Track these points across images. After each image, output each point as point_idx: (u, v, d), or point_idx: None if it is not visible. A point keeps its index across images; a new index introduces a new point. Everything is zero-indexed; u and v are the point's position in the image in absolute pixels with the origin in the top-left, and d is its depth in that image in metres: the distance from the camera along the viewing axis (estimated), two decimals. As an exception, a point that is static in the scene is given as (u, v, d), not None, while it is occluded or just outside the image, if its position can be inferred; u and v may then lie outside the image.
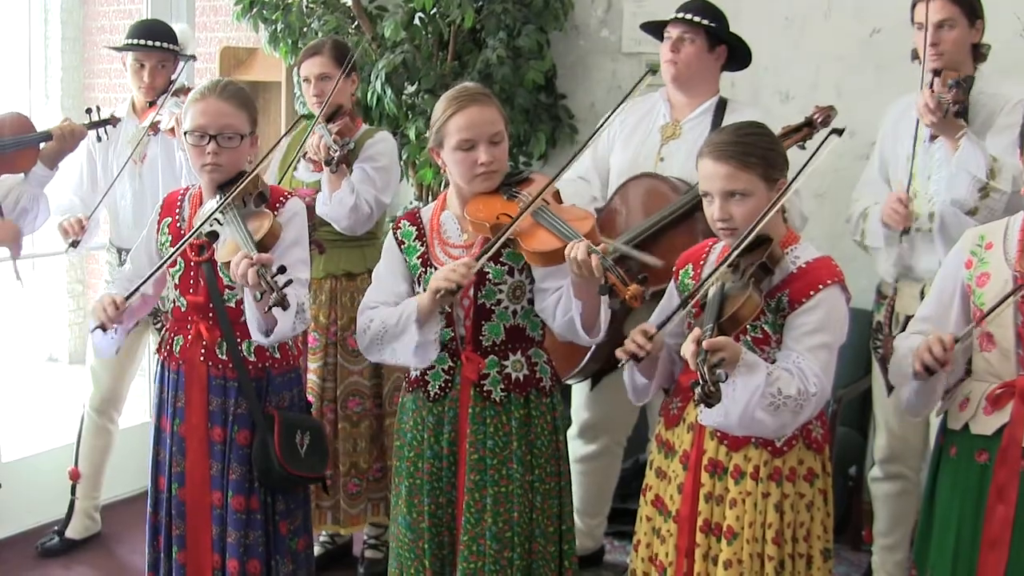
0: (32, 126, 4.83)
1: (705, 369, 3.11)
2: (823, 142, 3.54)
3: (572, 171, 5.09)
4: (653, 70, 3.95)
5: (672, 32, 4.94)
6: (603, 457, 5.41)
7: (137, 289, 3.98)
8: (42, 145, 4.84)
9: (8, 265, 4.75)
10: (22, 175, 4.83)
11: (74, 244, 5.34)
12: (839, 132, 3.57)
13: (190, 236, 3.89)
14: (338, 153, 4.95)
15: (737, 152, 3.52)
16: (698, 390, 3.10)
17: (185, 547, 4.13)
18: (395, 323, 3.79)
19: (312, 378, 5.31)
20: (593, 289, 3.55)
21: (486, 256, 3.68)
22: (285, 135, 4.06)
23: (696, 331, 3.27)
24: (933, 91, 4.42)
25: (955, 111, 4.36)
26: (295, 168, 5.30)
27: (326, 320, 5.29)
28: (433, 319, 3.76)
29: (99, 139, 5.24)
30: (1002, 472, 3.50)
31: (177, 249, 3.94)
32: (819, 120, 4.77)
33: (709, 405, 3.12)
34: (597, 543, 5.64)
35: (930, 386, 3.61)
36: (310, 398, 5.21)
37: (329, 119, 5.14)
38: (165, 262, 4.00)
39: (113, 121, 5.27)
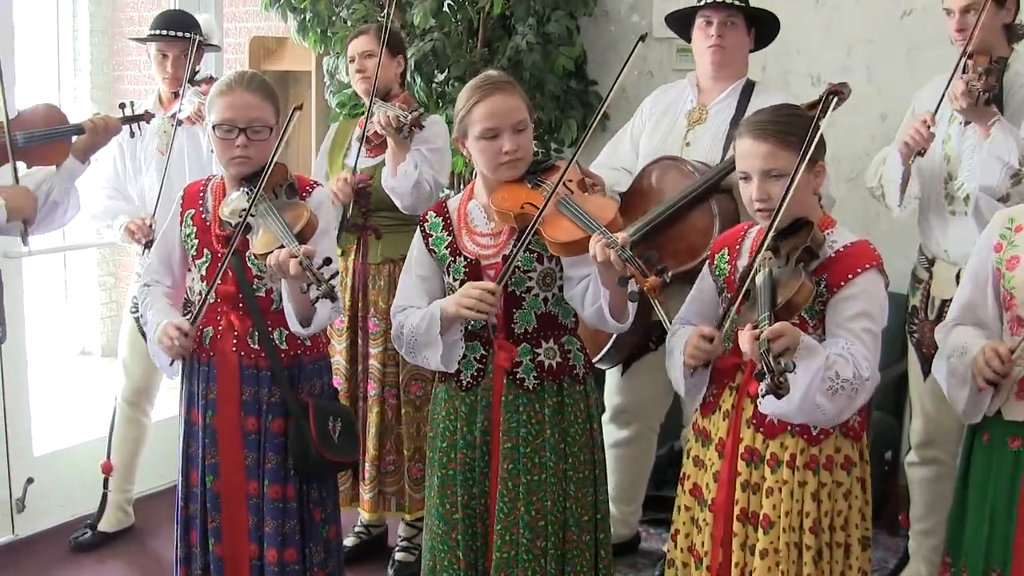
0: (65, 118, 4.75)
1: (771, 360, 3.06)
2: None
3: (616, 161, 5.09)
4: (643, 37, 3.89)
5: (715, 17, 4.93)
6: (637, 443, 5.39)
7: (200, 311, 4.00)
8: (74, 138, 4.78)
9: (41, 259, 4.70)
10: (53, 167, 4.76)
11: (148, 245, 5.33)
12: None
13: (236, 237, 3.87)
14: (409, 118, 4.99)
15: (777, 131, 3.50)
16: (765, 383, 3.05)
17: (221, 539, 4.13)
18: (423, 331, 3.85)
19: (373, 364, 5.33)
20: (616, 278, 3.54)
21: (508, 274, 3.72)
22: (288, 124, 3.98)
23: (752, 323, 3.23)
24: (964, 78, 4.37)
25: (986, 99, 4.32)
26: (347, 155, 5.35)
27: (385, 305, 5.24)
28: (454, 326, 3.81)
29: (132, 135, 5.18)
30: (1036, 458, 3.47)
31: (228, 254, 3.93)
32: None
33: (779, 396, 3.06)
34: (632, 531, 5.63)
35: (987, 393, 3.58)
36: (372, 384, 5.31)
37: (383, 99, 5.21)
38: (220, 272, 3.98)
39: (147, 117, 5.21)
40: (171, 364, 4.08)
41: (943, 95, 4.51)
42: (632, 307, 3.74)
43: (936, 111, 4.55)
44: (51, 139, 4.68)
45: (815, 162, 3.53)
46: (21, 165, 4.67)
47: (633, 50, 3.77)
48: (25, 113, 4.67)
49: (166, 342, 3.98)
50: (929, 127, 4.52)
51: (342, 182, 5.10)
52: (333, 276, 3.60)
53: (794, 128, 3.51)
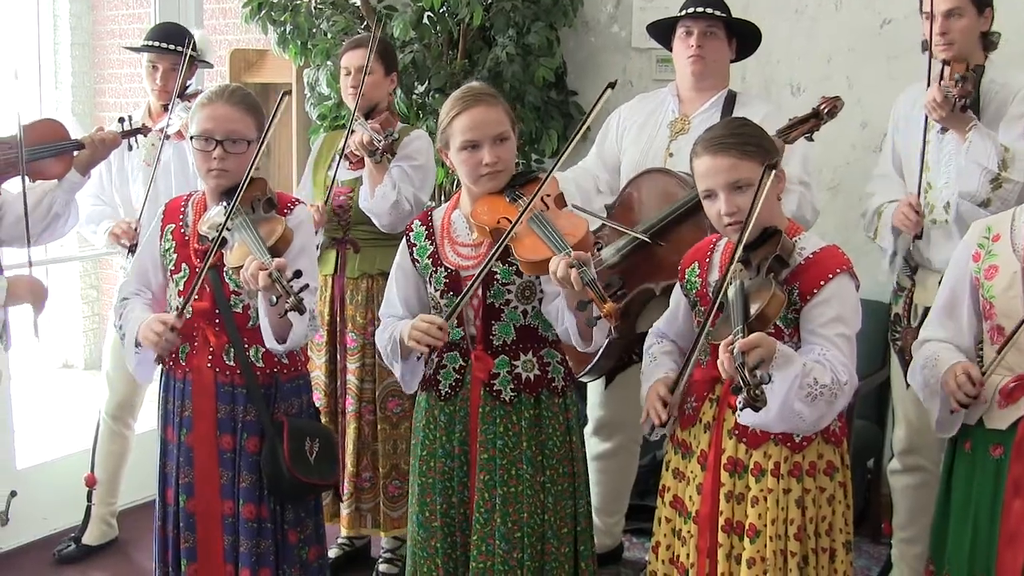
0: (67, 133, 4.88)
1: (746, 373, 3.06)
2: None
3: (580, 163, 5.07)
4: (611, 85, 3.85)
5: (695, 27, 4.90)
6: (620, 455, 5.39)
7: (187, 302, 3.94)
8: (75, 152, 4.89)
9: (22, 271, 4.70)
10: (55, 181, 4.89)
11: (132, 249, 5.36)
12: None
13: (212, 251, 3.85)
14: (382, 143, 5.00)
15: (737, 143, 3.51)
16: (742, 396, 3.06)
17: (196, 559, 4.09)
18: (388, 351, 3.94)
19: (351, 379, 5.31)
20: (576, 301, 3.54)
21: (457, 309, 3.72)
22: (268, 128, 3.96)
23: (727, 339, 3.22)
24: (940, 85, 4.39)
25: (962, 105, 4.34)
26: (329, 168, 5.32)
27: (363, 320, 5.27)
28: (412, 353, 3.84)
29: (130, 148, 5.28)
30: (1018, 466, 3.47)
31: (204, 268, 3.90)
32: (826, 111, 4.70)
33: (756, 409, 3.07)
34: (616, 540, 5.63)
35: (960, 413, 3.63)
36: (349, 400, 5.28)
37: (367, 116, 5.20)
38: (196, 286, 3.92)
39: (145, 131, 5.32)
40: (153, 360, 4.03)
41: (925, 130, 4.56)
42: (600, 333, 3.74)
43: (921, 176, 4.63)
44: (56, 154, 4.83)
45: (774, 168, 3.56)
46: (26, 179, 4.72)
47: (600, 97, 3.74)
48: (30, 129, 4.72)
49: (152, 337, 3.90)
50: (917, 211, 4.58)
51: (315, 211, 5.05)
52: (303, 289, 3.58)
53: (751, 138, 3.55)
